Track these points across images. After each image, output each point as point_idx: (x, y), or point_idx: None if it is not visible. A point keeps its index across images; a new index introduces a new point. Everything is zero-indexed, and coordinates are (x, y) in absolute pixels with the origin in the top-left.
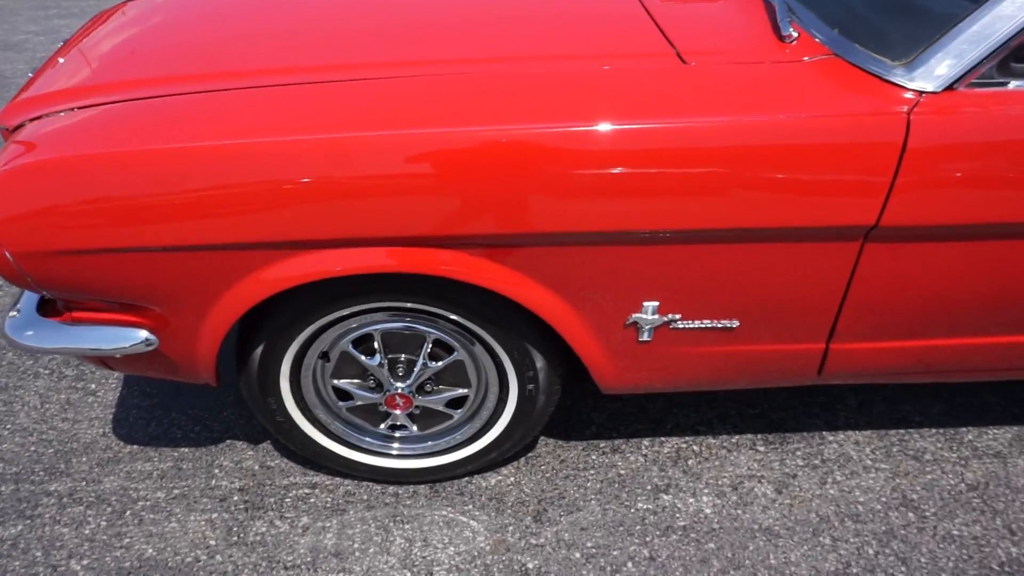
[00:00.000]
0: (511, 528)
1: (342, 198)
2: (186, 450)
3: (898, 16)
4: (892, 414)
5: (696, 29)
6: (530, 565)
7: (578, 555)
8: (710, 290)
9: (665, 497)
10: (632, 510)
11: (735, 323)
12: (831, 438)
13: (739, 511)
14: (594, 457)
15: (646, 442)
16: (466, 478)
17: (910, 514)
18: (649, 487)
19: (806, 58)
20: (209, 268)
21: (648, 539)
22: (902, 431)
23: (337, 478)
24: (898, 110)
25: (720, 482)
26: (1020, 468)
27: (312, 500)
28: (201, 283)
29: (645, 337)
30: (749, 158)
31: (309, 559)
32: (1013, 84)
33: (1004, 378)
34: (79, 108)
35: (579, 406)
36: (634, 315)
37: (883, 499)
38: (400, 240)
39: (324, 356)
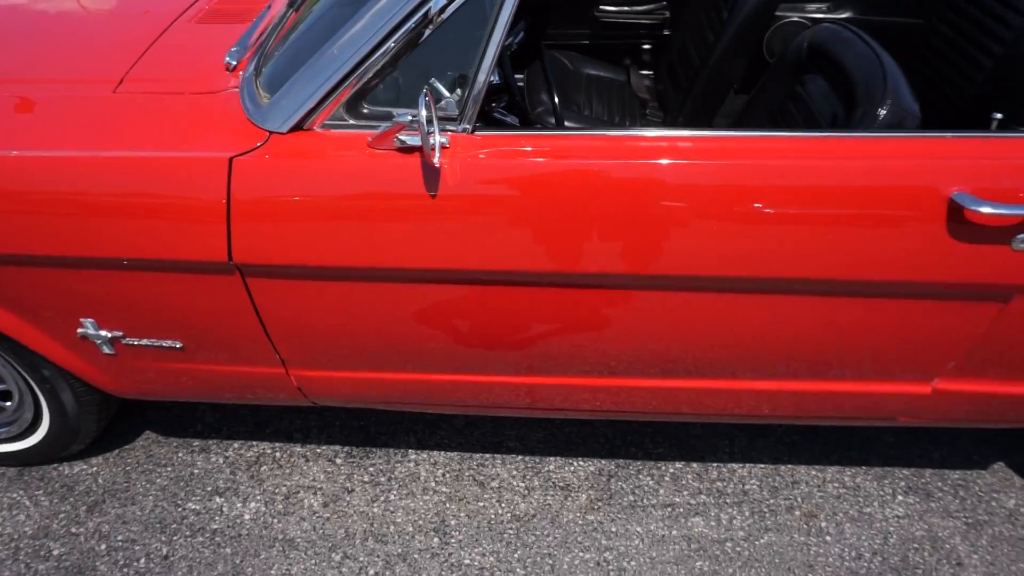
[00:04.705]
0: (63, 516)
1: None
2: None
3: (301, 52)
4: (492, 437)
5: (178, 55)
6: (56, 551)
7: (103, 547)
8: (141, 312)
9: (217, 500)
10: (180, 509)
11: (178, 344)
12: (413, 457)
13: (275, 520)
14: (181, 455)
15: (236, 444)
16: (55, 464)
17: (435, 539)
18: (209, 488)
19: (222, 91)
20: None
21: (175, 538)
22: (487, 455)
23: None
24: (220, 154)
25: (277, 490)
26: (579, 503)
27: None
28: None
29: (107, 350)
30: (91, 189)
31: None
32: (382, 125)
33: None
34: None
35: (197, 403)
36: (79, 330)
37: (419, 522)
38: None
39: None
